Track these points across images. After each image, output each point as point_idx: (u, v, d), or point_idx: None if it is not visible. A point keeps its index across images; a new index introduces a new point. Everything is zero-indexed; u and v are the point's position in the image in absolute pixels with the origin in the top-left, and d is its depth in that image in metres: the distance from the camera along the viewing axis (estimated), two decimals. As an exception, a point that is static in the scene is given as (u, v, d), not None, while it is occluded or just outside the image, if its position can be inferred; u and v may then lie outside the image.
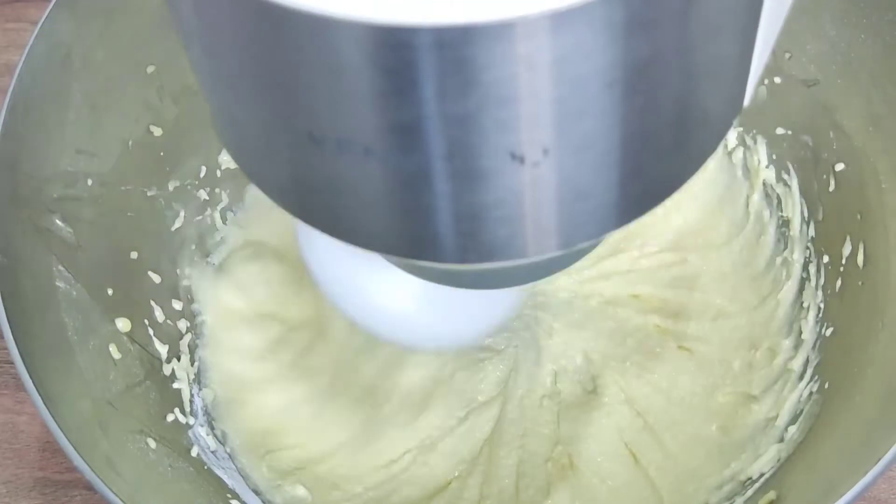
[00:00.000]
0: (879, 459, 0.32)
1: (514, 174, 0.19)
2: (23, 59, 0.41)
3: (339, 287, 0.42)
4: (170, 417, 0.46)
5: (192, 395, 0.49)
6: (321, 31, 0.16)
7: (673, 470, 0.47)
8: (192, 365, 0.50)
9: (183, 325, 0.50)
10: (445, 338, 0.44)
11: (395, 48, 0.16)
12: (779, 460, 0.44)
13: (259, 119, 0.20)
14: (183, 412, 0.47)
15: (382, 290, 0.41)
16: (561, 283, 0.53)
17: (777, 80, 0.49)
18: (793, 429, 0.44)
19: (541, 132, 0.18)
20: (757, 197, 0.53)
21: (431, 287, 0.33)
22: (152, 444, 0.42)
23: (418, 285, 0.34)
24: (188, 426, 0.47)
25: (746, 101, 0.23)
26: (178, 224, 0.51)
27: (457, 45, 0.16)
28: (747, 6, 0.20)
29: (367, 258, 0.34)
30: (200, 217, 0.53)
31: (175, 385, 0.48)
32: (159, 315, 0.49)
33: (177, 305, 0.50)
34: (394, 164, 0.18)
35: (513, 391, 0.50)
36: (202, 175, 0.52)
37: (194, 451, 0.46)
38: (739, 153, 0.54)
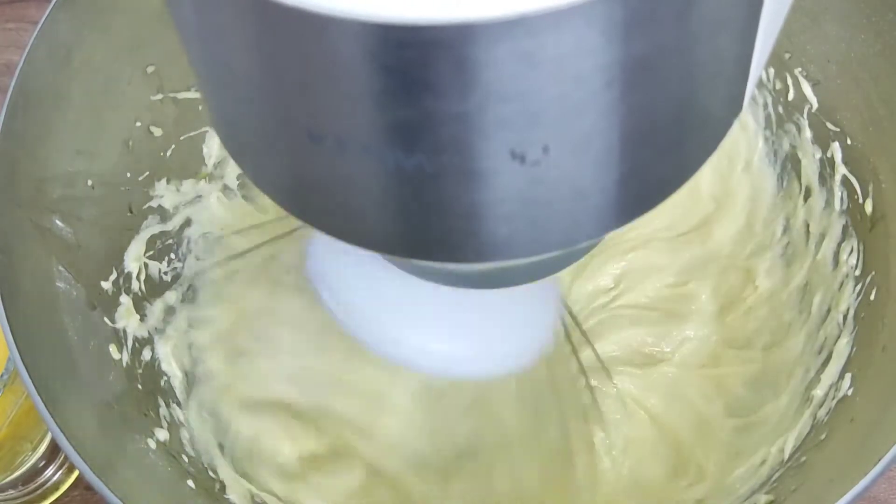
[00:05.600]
0: (879, 459, 0.32)
1: (515, 173, 0.19)
2: (23, 59, 0.41)
3: (353, 314, 0.39)
4: (169, 417, 0.46)
5: (191, 395, 0.49)
6: (320, 28, 0.16)
7: None
8: (192, 364, 0.50)
9: (183, 324, 0.50)
10: (467, 367, 0.41)
11: (395, 46, 0.16)
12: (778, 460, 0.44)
13: (257, 117, 0.20)
14: (183, 412, 0.47)
15: (400, 318, 0.38)
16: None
17: (777, 80, 0.49)
18: (793, 429, 0.44)
19: (541, 131, 0.18)
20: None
21: (458, 315, 0.31)
22: (152, 444, 0.42)
23: (442, 313, 0.32)
24: (188, 426, 0.47)
25: (746, 102, 0.23)
26: (177, 224, 0.51)
27: (457, 43, 0.16)
28: (748, 5, 0.20)
29: (381, 282, 0.32)
30: (201, 217, 0.53)
31: (175, 385, 0.48)
32: (159, 315, 0.49)
33: (177, 305, 0.50)
34: (392, 163, 0.18)
35: None
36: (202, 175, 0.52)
37: (194, 451, 0.46)
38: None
